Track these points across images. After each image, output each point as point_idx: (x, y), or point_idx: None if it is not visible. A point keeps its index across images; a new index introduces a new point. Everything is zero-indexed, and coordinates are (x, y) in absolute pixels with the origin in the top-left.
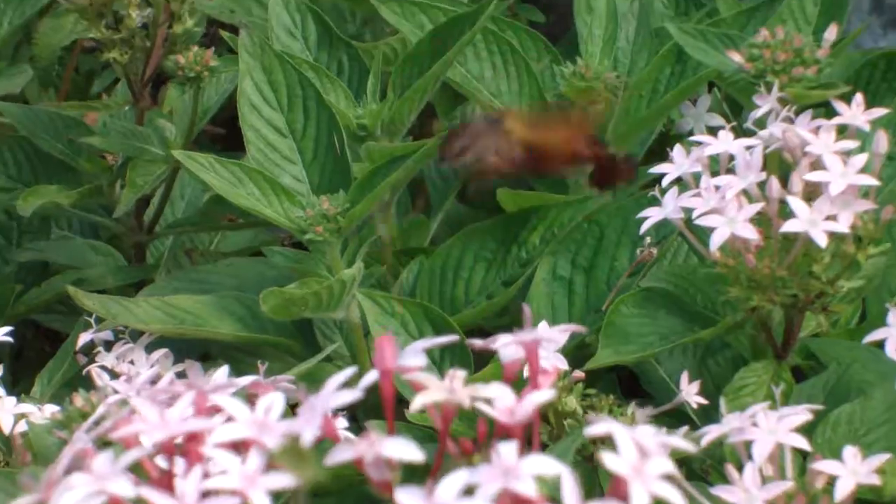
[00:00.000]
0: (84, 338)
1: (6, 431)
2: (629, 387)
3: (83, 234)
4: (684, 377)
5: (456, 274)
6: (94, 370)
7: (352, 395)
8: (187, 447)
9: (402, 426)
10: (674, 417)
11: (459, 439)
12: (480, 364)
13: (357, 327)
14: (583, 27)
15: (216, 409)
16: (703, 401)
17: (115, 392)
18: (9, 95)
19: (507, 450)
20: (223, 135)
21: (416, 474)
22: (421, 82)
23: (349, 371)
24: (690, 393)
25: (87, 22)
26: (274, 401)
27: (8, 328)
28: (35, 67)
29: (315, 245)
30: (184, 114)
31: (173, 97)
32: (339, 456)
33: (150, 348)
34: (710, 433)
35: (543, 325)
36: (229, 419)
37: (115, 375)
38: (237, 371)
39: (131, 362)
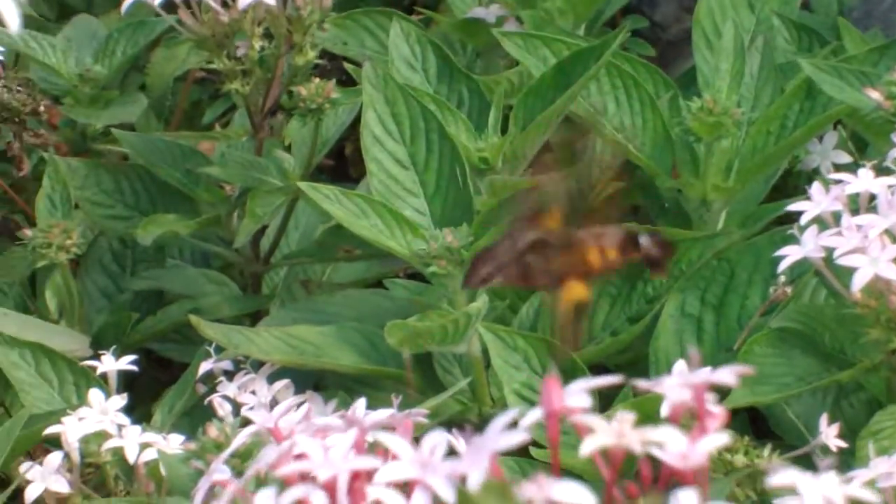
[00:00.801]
0: (204, 367)
1: (131, 461)
2: (755, 427)
3: (194, 264)
4: (824, 419)
5: None
6: (215, 400)
7: (519, 437)
8: (352, 486)
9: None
10: (798, 461)
11: (626, 484)
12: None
13: (478, 361)
14: (702, 62)
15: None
16: (843, 444)
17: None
18: (120, 125)
19: (686, 497)
20: (332, 166)
21: None
22: (544, 115)
23: (514, 412)
24: (829, 436)
25: (205, 52)
26: (438, 440)
27: (132, 356)
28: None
29: (437, 278)
30: (302, 145)
31: (293, 129)
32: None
33: (269, 379)
34: (859, 477)
35: (681, 364)
36: (393, 457)
37: (236, 405)
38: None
39: (252, 392)
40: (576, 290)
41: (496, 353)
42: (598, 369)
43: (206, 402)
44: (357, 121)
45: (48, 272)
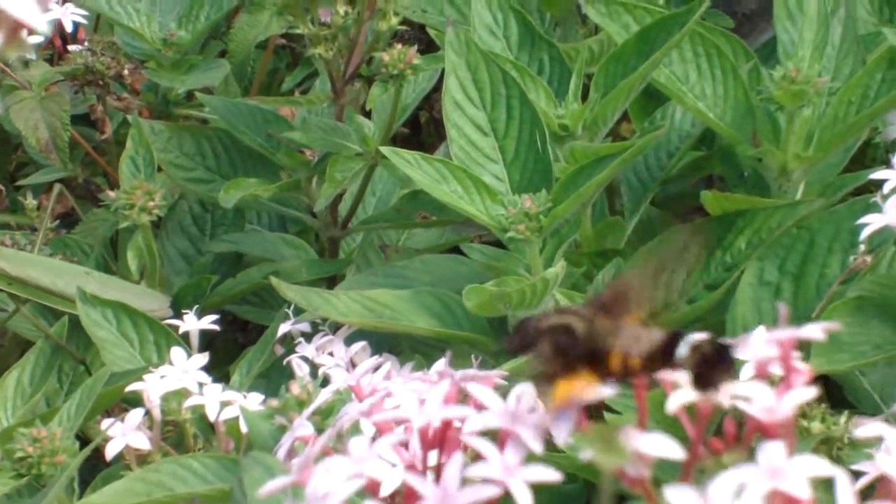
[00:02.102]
0: (282, 329)
1: (211, 418)
2: (830, 397)
3: (272, 229)
4: None
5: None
6: (294, 360)
7: (604, 392)
8: (445, 435)
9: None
10: None
11: (710, 440)
12: None
13: None
14: (783, 32)
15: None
16: None
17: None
18: (202, 90)
19: (774, 449)
20: (407, 134)
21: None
22: (626, 82)
23: None
24: None
25: (289, 18)
26: (524, 391)
27: (213, 316)
28: (228, 63)
29: (514, 244)
30: (382, 111)
31: (374, 95)
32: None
33: (346, 341)
34: None
35: (761, 329)
36: (482, 409)
37: (314, 366)
38: (428, 366)
39: (330, 354)
40: (574, 386)
41: None
42: None
43: (284, 363)
44: (432, 90)
45: (130, 234)
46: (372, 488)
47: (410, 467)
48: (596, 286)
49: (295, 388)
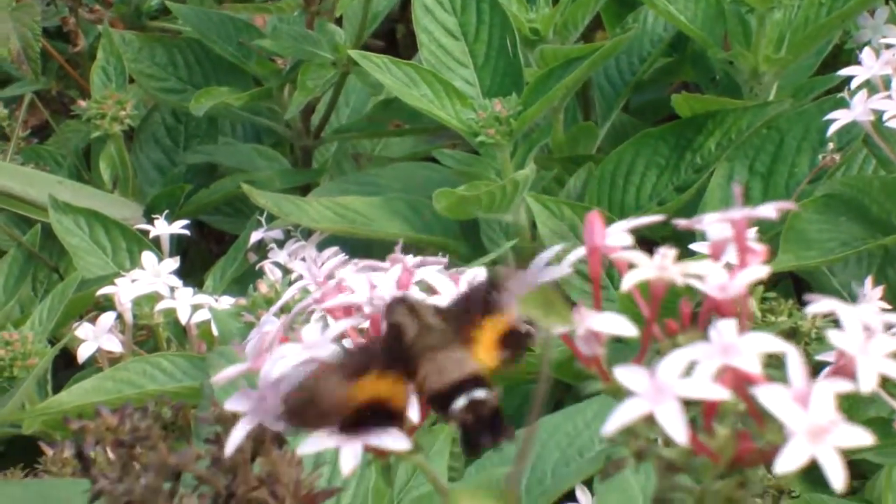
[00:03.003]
0: (255, 236)
1: (183, 321)
2: (799, 296)
3: (246, 141)
4: (868, 282)
5: (626, 180)
6: (266, 266)
7: (560, 271)
8: None
9: None
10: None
11: (665, 320)
12: None
13: (524, 230)
14: None
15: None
16: (887, 307)
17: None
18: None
19: (725, 327)
20: (383, 48)
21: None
22: None
23: (557, 247)
24: (873, 298)
25: None
26: (477, 273)
27: (184, 221)
28: None
29: (485, 148)
30: (353, 18)
31: (345, 2)
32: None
33: (318, 247)
34: None
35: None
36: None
37: (286, 272)
38: None
39: (303, 259)
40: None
41: (543, 221)
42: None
43: (256, 268)
44: (408, 3)
45: (102, 144)
46: None
47: None
48: (567, 192)
49: (263, 287)
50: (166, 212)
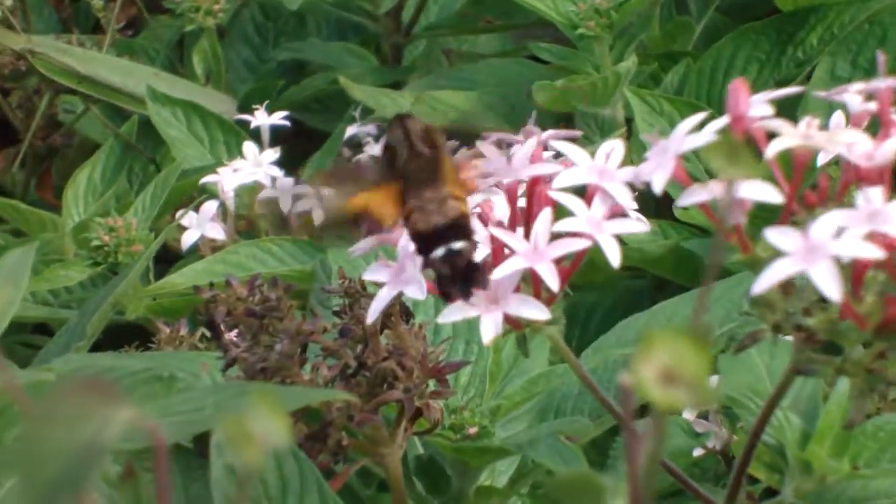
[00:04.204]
0: (350, 131)
1: (284, 210)
2: None
3: (331, 38)
4: None
5: (726, 74)
6: (363, 159)
7: (704, 138)
8: (534, 191)
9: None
10: None
11: (804, 192)
12: None
13: (620, 125)
14: None
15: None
16: None
17: None
18: None
19: (873, 193)
20: None
21: None
22: None
23: (701, 115)
24: None
25: None
26: (615, 147)
27: (283, 113)
28: None
29: (584, 41)
30: None
31: None
32: (692, 199)
33: None
34: None
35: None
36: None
37: None
38: None
39: None
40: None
41: (641, 116)
42: None
43: (352, 162)
44: None
45: (195, 40)
46: None
47: (498, 225)
48: (664, 87)
49: None
50: (266, 103)
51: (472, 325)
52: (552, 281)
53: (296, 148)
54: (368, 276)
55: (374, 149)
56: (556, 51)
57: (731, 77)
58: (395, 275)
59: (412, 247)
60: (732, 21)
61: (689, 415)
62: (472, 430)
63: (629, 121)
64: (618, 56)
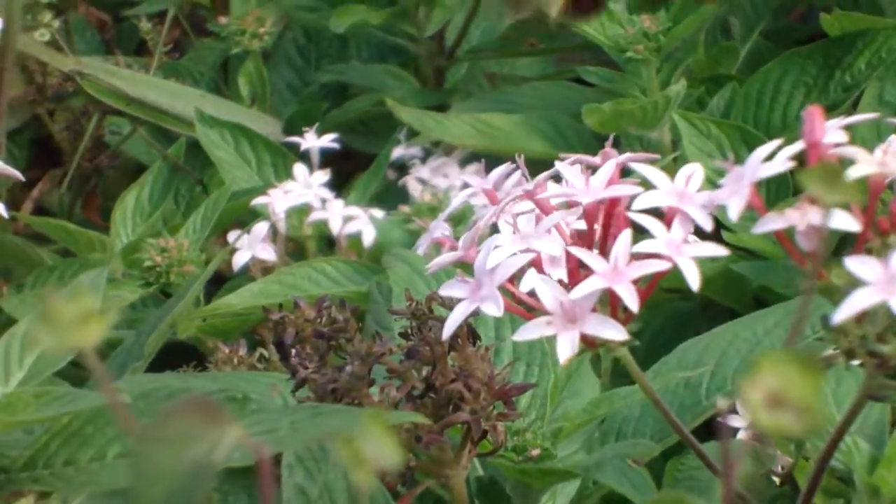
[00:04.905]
0: (395, 153)
1: (335, 232)
2: None
3: (372, 60)
4: None
5: (773, 99)
6: (410, 180)
7: (780, 166)
8: (612, 212)
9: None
10: None
11: (877, 219)
12: None
13: (667, 149)
14: None
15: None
16: None
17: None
18: None
19: None
20: None
21: None
22: None
23: (776, 143)
24: None
25: None
26: (694, 171)
27: (331, 135)
28: None
29: (631, 65)
30: None
31: None
32: (768, 226)
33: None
34: None
35: None
36: (649, 188)
37: (429, 188)
38: None
39: (444, 175)
40: None
41: (689, 139)
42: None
43: (399, 184)
44: None
45: (239, 62)
46: (536, 264)
47: (576, 244)
48: (710, 110)
49: (426, 195)
50: (316, 125)
51: (531, 347)
52: (632, 301)
53: (339, 169)
54: (445, 292)
55: (421, 170)
56: (604, 74)
57: (777, 101)
58: (473, 291)
59: (489, 264)
60: (775, 46)
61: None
62: (535, 452)
63: (674, 142)
64: (665, 79)
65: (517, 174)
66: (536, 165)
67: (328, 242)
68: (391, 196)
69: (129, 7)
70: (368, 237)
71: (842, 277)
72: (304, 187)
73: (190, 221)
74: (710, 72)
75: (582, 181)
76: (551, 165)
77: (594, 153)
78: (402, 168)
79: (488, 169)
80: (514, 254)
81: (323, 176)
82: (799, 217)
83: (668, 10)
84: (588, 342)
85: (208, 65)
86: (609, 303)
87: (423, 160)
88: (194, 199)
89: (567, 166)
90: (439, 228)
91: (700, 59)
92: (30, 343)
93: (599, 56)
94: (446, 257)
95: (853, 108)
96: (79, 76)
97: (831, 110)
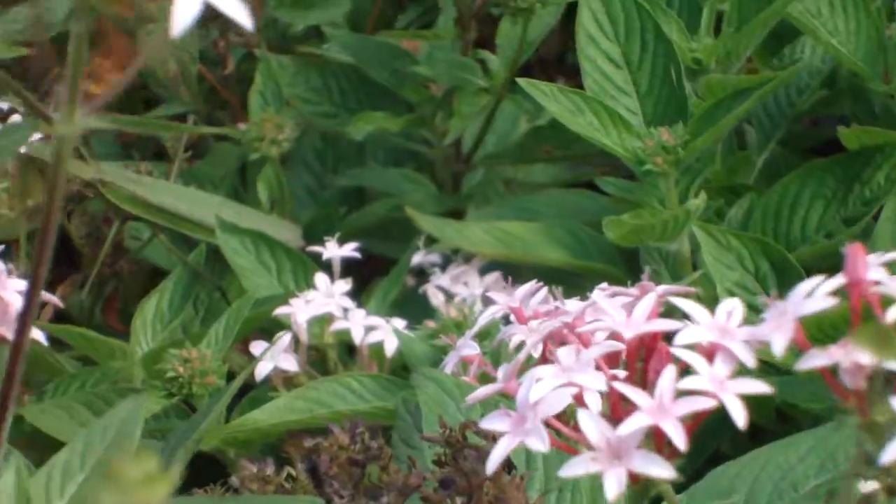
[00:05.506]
0: (414, 259)
1: (357, 341)
2: None
3: (388, 164)
4: None
5: (792, 211)
6: (430, 289)
7: (822, 303)
8: (654, 347)
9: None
10: None
11: None
12: None
13: (686, 261)
14: None
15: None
16: None
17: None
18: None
19: None
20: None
21: None
22: (763, 16)
23: (817, 279)
24: None
25: None
26: (735, 307)
27: (353, 244)
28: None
29: (650, 176)
30: (507, 47)
31: (503, 30)
32: (812, 362)
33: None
34: None
35: None
36: (691, 322)
37: (449, 296)
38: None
39: (465, 284)
40: None
41: (709, 251)
42: (808, 272)
43: (419, 291)
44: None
45: (257, 167)
46: (577, 397)
47: (616, 379)
48: (728, 222)
49: (452, 311)
50: (337, 234)
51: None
52: (679, 439)
53: (357, 273)
54: (487, 425)
55: (440, 278)
56: (622, 185)
57: (796, 213)
58: (516, 425)
59: (532, 397)
60: (790, 153)
61: None
62: None
63: (693, 252)
64: (683, 190)
65: (543, 291)
66: (555, 274)
67: (349, 350)
68: (410, 303)
69: (148, 110)
70: (391, 347)
71: (884, 414)
72: (326, 297)
73: (212, 331)
74: (728, 181)
75: (623, 315)
76: (570, 274)
77: (613, 263)
78: (422, 273)
79: (507, 277)
80: (556, 388)
81: (345, 285)
82: (843, 354)
83: (684, 122)
84: (631, 477)
85: (226, 168)
86: (654, 438)
87: (443, 267)
88: (213, 305)
89: (606, 298)
90: (467, 347)
91: (717, 169)
92: (70, 472)
93: (617, 163)
94: (487, 389)
95: (873, 221)
96: (100, 184)
97: (851, 223)
